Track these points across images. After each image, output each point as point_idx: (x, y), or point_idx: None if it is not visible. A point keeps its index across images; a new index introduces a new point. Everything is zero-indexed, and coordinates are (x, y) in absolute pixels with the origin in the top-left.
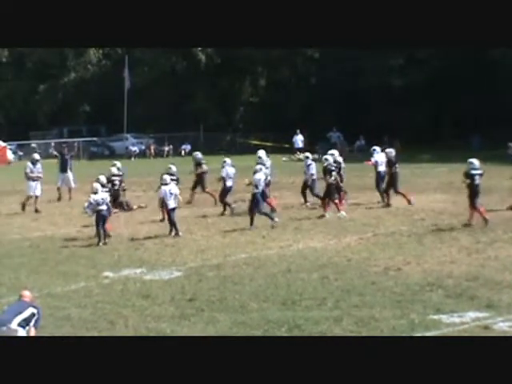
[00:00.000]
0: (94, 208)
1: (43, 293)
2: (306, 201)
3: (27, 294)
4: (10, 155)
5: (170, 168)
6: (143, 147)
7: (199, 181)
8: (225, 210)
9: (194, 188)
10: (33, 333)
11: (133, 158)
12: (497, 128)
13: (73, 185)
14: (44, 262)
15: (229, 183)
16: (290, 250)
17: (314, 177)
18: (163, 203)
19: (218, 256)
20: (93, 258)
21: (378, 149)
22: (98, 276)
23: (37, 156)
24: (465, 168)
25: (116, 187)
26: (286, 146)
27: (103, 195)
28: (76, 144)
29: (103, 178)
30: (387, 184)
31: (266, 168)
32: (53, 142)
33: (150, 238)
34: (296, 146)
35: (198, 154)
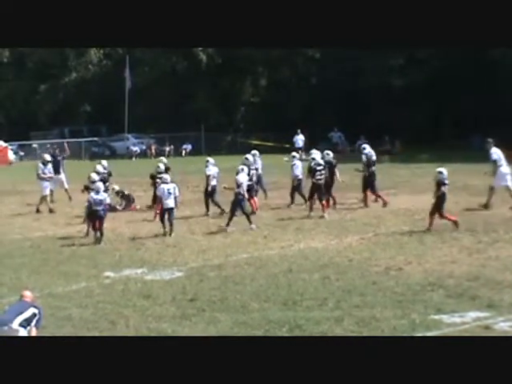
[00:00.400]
0: (92, 207)
1: (44, 293)
2: (292, 201)
3: (28, 294)
4: (10, 155)
5: (158, 167)
6: (144, 147)
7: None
8: (208, 210)
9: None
10: (34, 333)
11: (134, 158)
12: (497, 128)
13: (66, 185)
14: (45, 262)
15: (213, 182)
16: (292, 250)
17: (300, 177)
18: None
19: (220, 256)
20: (94, 258)
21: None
22: (99, 276)
23: (48, 157)
24: (463, 171)
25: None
26: (287, 145)
27: (102, 196)
28: (67, 145)
29: (94, 176)
30: (364, 185)
31: (255, 169)
32: (48, 144)
33: (151, 237)
34: (297, 145)
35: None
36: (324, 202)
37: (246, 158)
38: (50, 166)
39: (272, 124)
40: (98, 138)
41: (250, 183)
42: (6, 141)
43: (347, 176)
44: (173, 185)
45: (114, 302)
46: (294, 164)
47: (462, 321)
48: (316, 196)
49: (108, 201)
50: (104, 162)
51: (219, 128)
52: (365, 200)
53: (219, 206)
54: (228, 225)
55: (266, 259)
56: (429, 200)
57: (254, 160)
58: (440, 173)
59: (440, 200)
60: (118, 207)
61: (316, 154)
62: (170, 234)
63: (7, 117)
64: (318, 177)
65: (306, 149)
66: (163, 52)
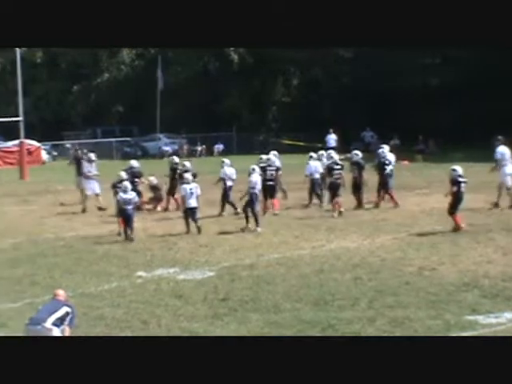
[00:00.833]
0: (121, 206)
1: (77, 292)
2: (310, 201)
3: (61, 293)
4: (44, 155)
5: (184, 165)
6: (176, 147)
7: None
8: (223, 210)
9: (169, 193)
10: (67, 332)
11: (165, 158)
12: None
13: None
14: (78, 262)
15: (229, 183)
16: (323, 250)
17: (316, 176)
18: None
19: (251, 256)
20: (126, 258)
21: (386, 147)
22: (131, 276)
23: (93, 156)
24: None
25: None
26: (319, 145)
27: (131, 195)
28: (77, 147)
29: (123, 174)
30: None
31: (277, 169)
32: (69, 144)
33: (183, 237)
34: (329, 145)
35: (175, 159)
36: (338, 201)
37: (261, 158)
38: (94, 164)
39: (304, 124)
40: (129, 138)
41: (271, 183)
42: (39, 141)
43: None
44: (194, 184)
45: (146, 301)
46: (307, 164)
47: (498, 321)
48: (331, 194)
49: (136, 199)
50: (134, 162)
51: (251, 128)
52: (379, 200)
53: (234, 206)
54: (257, 225)
55: (298, 259)
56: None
57: (269, 160)
58: (454, 170)
59: (455, 198)
60: (146, 206)
61: (334, 153)
62: (199, 232)
63: (41, 117)
64: (336, 176)
65: (339, 148)
66: (195, 52)
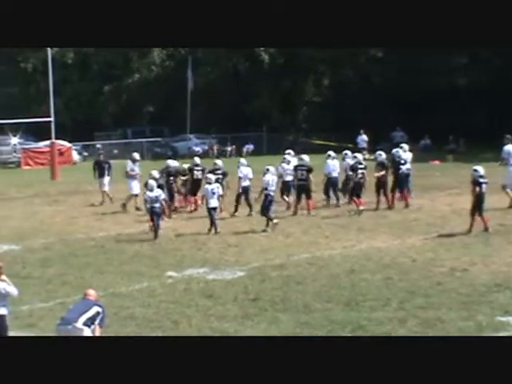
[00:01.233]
0: (149, 205)
1: (108, 292)
2: (328, 200)
3: (92, 293)
4: (75, 156)
5: (215, 164)
6: (206, 147)
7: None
8: (236, 210)
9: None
10: (98, 331)
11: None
12: None
13: (107, 188)
14: (108, 262)
15: (245, 183)
16: (354, 251)
17: (334, 175)
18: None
19: (281, 256)
20: (156, 258)
21: (349, 153)
22: (162, 276)
23: (137, 156)
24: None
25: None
26: (350, 145)
27: (157, 192)
28: (101, 147)
29: (156, 173)
30: (352, 189)
31: (307, 169)
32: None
33: (212, 237)
34: (359, 145)
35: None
36: (361, 199)
37: (284, 158)
38: (138, 164)
39: (334, 124)
40: (160, 138)
41: (302, 183)
42: (70, 141)
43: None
44: (216, 185)
45: (176, 301)
46: (326, 163)
47: None
48: (354, 193)
49: (163, 197)
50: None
51: (281, 128)
52: (392, 200)
53: (250, 207)
54: (267, 225)
55: (328, 259)
56: (494, 200)
57: (302, 160)
58: (475, 171)
59: (477, 199)
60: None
61: (358, 154)
62: (216, 232)
63: (72, 118)
64: (360, 175)
65: (369, 149)
66: (225, 52)
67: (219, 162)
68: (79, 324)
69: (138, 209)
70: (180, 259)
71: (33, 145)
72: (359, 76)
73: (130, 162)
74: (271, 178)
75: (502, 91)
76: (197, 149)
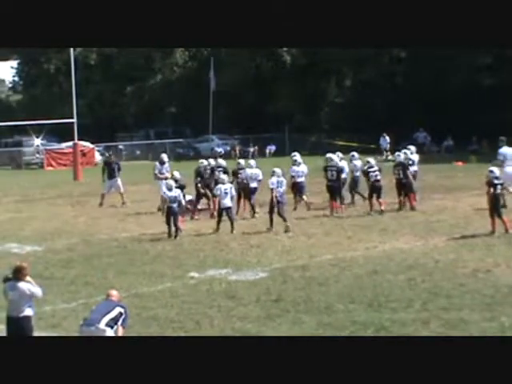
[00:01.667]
0: (167, 204)
1: (130, 293)
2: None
3: (114, 294)
4: (97, 157)
5: (239, 163)
6: (228, 148)
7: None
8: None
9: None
10: (121, 332)
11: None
12: None
13: (122, 189)
14: (131, 263)
15: (253, 184)
16: (376, 251)
17: (342, 176)
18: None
19: (303, 257)
20: (178, 259)
21: (355, 154)
22: (184, 276)
23: (165, 157)
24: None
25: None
26: (372, 146)
27: (176, 192)
28: (123, 148)
29: (177, 174)
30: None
31: (338, 170)
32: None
33: (234, 238)
34: (382, 146)
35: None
36: (381, 200)
37: (295, 161)
38: (167, 165)
39: (357, 124)
40: (182, 139)
41: (332, 184)
42: (92, 142)
43: (431, 177)
44: (229, 185)
45: (198, 302)
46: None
47: None
48: (375, 195)
49: (181, 197)
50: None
51: (303, 129)
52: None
53: (253, 208)
54: (286, 225)
55: (351, 260)
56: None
57: (332, 161)
58: (491, 172)
59: (492, 200)
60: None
61: (370, 158)
62: (232, 231)
63: (94, 118)
64: (374, 178)
65: (391, 150)
66: (247, 53)
67: (243, 161)
68: (102, 325)
69: (159, 209)
70: (202, 260)
71: (55, 146)
72: (382, 76)
73: (157, 164)
74: (276, 180)
75: None
76: (219, 150)
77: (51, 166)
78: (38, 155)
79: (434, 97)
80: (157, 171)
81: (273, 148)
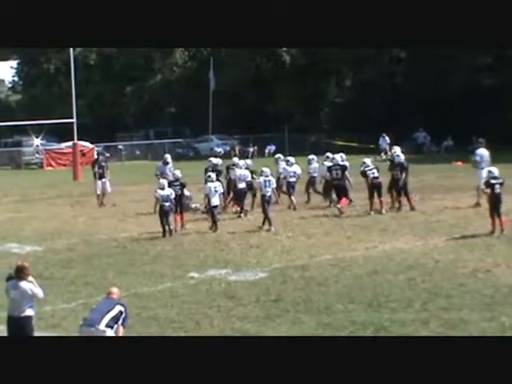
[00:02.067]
0: (159, 203)
1: (130, 293)
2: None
3: (115, 291)
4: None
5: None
6: (228, 148)
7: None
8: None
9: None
10: (121, 331)
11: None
12: None
13: (109, 190)
14: (131, 263)
15: (241, 185)
16: (376, 251)
17: (314, 174)
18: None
19: (303, 257)
20: (178, 259)
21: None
22: (184, 276)
23: (169, 157)
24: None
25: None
26: (372, 146)
27: (168, 191)
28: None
29: (178, 173)
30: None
31: (342, 168)
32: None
33: (234, 238)
34: (381, 147)
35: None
36: (382, 199)
37: (288, 161)
38: (170, 165)
39: (356, 124)
40: (182, 139)
41: (337, 183)
42: (92, 142)
43: (431, 177)
44: (218, 183)
45: (198, 302)
46: (323, 164)
47: None
48: (376, 194)
49: (173, 196)
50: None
51: (303, 129)
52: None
53: (242, 208)
54: (269, 224)
55: (350, 260)
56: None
57: (334, 160)
58: (489, 172)
59: (491, 200)
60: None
61: (367, 159)
62: (215, 231)
63: (94, 118)
64: (372, 176)
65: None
66: (247, 53)
67: (237, 159)
68: (102, 326)
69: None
70: (202, 260)
71: (55, 146)
72: (382, 76)
73: (161, 164)
74: (264, 180)
75: None
76: (218, 150)
77: (51, 166)
78: (37, 155)
79: (433, 97)
80: (159, 172)
81: (272, 148)
